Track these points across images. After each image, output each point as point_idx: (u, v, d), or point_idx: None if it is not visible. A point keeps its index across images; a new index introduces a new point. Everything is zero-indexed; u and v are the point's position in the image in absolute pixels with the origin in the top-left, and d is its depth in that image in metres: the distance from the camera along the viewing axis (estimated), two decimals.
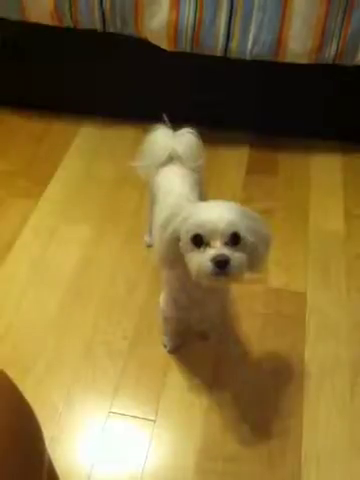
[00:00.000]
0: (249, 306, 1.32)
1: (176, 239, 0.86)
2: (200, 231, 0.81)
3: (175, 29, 1.47)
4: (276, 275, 1.40)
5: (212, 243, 0.81)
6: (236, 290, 1.31)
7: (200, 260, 0.81)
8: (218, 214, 0.81)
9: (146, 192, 1.26)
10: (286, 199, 1.64)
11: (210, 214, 0.82)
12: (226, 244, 0.80)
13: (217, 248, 0.80)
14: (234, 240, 0.81)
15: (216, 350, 1.23)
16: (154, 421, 1.10)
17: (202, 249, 0.81)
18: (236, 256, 0.80)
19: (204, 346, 1.24)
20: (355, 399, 1.15)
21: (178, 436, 1.08)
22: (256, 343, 1.25)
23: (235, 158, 1.77)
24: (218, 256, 0.79)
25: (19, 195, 1.62)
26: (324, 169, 1.75)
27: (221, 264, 0.79)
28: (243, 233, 0.81)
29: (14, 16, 1.56)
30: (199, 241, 0.82)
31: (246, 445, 1.07)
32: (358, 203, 1.63)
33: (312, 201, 1.63)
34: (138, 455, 1.05)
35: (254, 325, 1.28)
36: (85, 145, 1.83)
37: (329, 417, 1.12)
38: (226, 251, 0.80)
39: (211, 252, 0.80)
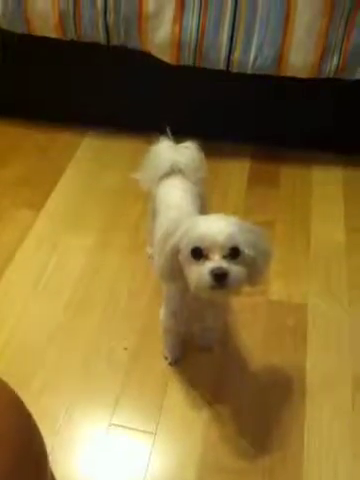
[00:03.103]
0: (250, 318, 1.32)
1: (176, 252, 0.86)
2: (199, 244, 0.82)
3: (178, 43, 1.49)
4: (277, 287, 1.40)
5: (211, 256, 0.81)
6: (237, 302, 1.31)
7: (199, 273, 0.81)
8: (217, 228, 0.82)
9: (148, 203, 1.27)
10: (287, 211, 1.64)
11: (209, 227, 0.83)
12: (225, 257, 0.81)
13: (216, 261, 0.80)
14: (233, 253, 0.81)
15: (217, 362, 1.23)
16: (155, 433, 1.09)
17: (201, 262, 0.82)
18: (235, 269, 0.81)
19: (205, 358, 1.23)
20: (357, 411, 1.14)
21: (179, 448, 1.08)
22: (257, 355, 1.24)
23: (236, 170, 1.78)
24: (216, 269, 0.79)
25: (23, 205, 1.63)
26: (325, 181, 1.75)
27: (219, 277, 0.79)
28: (242, 247, 0.82)
29: (19, 29, 1.58)
30: (198, 254, 0.82)
31: (247, 458, 1.06)
32: (359, 215, 1.63)
33: (313, 213, 1.63)
34: (139, 467, 1.04)
35: (255, 337, 1.28)
36: (88, 156, 1.84)
37: (331, 429, 1.11)
38: (224, 264, 0.80)
39: (210, 265, 0.80)
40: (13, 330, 1.28)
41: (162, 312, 1.10)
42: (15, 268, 1.44)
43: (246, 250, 0.82)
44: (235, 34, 1.46)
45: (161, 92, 1.75)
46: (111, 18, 1.50)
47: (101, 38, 1.56)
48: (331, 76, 1.51)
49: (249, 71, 1.51)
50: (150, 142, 1.18)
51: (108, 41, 1.57)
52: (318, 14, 1.41)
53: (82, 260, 1.47)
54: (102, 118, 1.89)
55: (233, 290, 0.84)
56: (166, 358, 1.22)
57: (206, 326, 1.17)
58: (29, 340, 1.26)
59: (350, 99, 1.67)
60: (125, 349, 1.24)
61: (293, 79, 1.53)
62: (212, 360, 1.23)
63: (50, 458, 0.64)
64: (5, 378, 0.61)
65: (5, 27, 1.59)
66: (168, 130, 1.17)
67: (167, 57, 1.54)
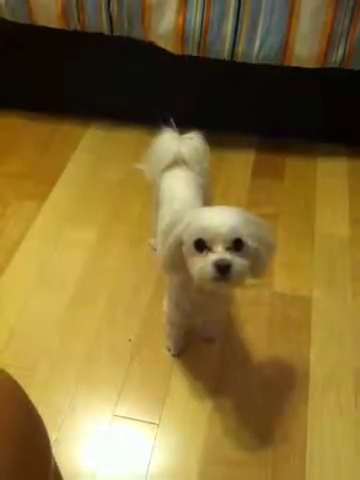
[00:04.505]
0: (254, 310, 1.32)
1: (179, 244, 0.86)
2: (202, 236, 0.81)
3: (182, 33, 1.48)
4: (281, 279, 1.39)
5: (214, 248, 0.81)
6: (241, 294, 1.31)
7: (202, 265, 0.81)
8: (221, 219, 0.82)
9: (152, 194, 1.26)
10: (292, 203, 1.63)
11: (213, 219, 0.82)
12: (228, 249, 0.81)
13: (219, 253, 0.80)
14: (236, 245, 0.81)
15: (220, 354, 1.23)
16: (158, 425, 1.10)
17: (204, 254, 0.82)
18: (238, 261, 0.80)
19: (208, 350, 1.23)
20: (359, 404, 1.14)
21: (182, 440, 1.08)
22: (261, 347, 1.24)
23: (241, 162, 1.77)
24: (219, 261, 0.79)
25: (25, 197, 1.63)
26: (330, 173, 1.74)
27: (222, 269, 0.79)
28: (245, 239, 0.82)
29: (22, 19, 1.57)
30: (201, 246, 0.82)
31: (250, 450, 1.06)
32: None
33: (318, 205, 1.62)
34: (142, 458, 1.05)
35: (259, 329, 1.28)
36: (91, 148, 1.83)
37: (334, 422, 1.11)
38: (228, 256, 0.80)
39: (213, 257, 0.80)
40: (17, 322, 1.28)
41: (165, 304, 1.10)
42: (19, 261, 1.44)
43: (249, 242, 0.82)
44: (240, 24, 1.45)
45: (165, 83, 1.74)
46: (114, 8, 1.49)
47: (104, 28, 1.55)
48: (336, 66, 1.50)
49: (254, 61, 1.50)
50: (153, 134, 1.18)
51: (111, 31, 1.55)
52: (323, 4, 1.39)
53: (85, 252, 1.46)
54: (105, 110, 1.88)
55: (236, 282, 0.84)
56: (169, 350, 1.22)
57: (209, 317, 1.17)
58: (33, 332, 1.27)
59: (356, 89, 1.65)
60: (129, 341, 1.24)
61: (298, 70, 1.51)
62: (215, 352, 1.23)
63: (53, 449, 0.64)
64: (8, 370, 0.61)
65: (8, 17, 1.58)
66: (172, 121, 1.17)
67: (171, 47, 1.53)
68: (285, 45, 1.45)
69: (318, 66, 1.50)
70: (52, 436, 1.05)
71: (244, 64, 1.52)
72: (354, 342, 1.26)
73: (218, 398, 1.15)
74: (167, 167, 1.16)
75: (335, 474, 1.03)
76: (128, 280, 1.39)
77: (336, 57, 1.47)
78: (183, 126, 1.17)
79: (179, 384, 1.17)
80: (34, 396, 0.62)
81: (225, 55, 1.51)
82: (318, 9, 1.40)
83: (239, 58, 1.51)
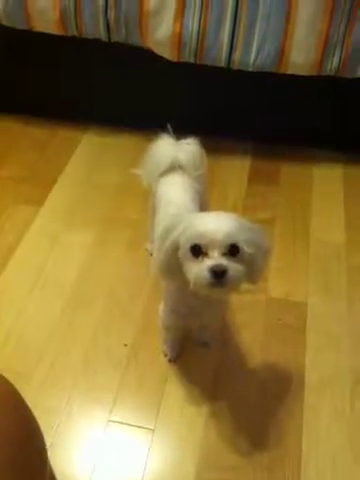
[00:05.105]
0: (250, 316, 1.32)
1: (175, 249, 0.86)
2: (198, 241, 0.82)
3: (179, 40, 1.48)
4: (277, 285, 1.40)
5: (210, 253, 0.81)
6: (236, 300, 1.32)
7: (198, 270, 0.81)
8: (217, 225, 0.82)
9: (148, 199, 1.27)
10: (287, 209, 1.64)
11: (209, 225, 0.83)
12: (224, 255, 0.81)
13: (215, 258, 0.81)
14: (232, 251, 0.82)
15: (216, 359, 1.23)
16: (153, 430, 1.10)
17: (200, 259, 0.82)
18: (233, 267, 0.81)
19: (204, 355, 1.23)
20: (355, 408, 1.14)
21: (177, 445, 1.08)
22: (257, 352, 1.24)
23: (237, 168, 1.78)
24: (215, 266, 0.80)
25: (22, 201, 1.63)
26: (325, 179, 1.75)
27: (218, 274, 0.80)
28: (241, 244, 0.82)
29: (20, 25, 1.58)
30: (197, 251, 0.82)
31: (246, 454, 1.06)
32: (359, 213, 1.63)
33: (313, 211, 1.63)
34: (137, 464, 1.04)
35: (255, 334, 1.28)
36: (88, 152, 1.84)
37: (329, 426, 1.11)
38: (223, 261, 0.80)
39: (208, 262, 0.81)
40: (13, 326, 1.28)
41: (161, 309, 1.10)
42: (15, 264, 1.44)
43: (245, 248, 0.82)
44: (236, 32, 1.45)
45: (162, 89, 1.75)
46: (112, 15, 1.50)
47: (102, 35, 1.56)
48: (332, 74, 1.50)
49: (250, 69, 1.51)
50: (151, 139, 1.18)
51: (109, 38, 1.56)
52: (319, 11, 1.40)
53: (82, 256, 1.47)
54: (102, 115, 1.89)
55: (232, 287, 0.84)
56: (165, 355, 1.22)
57: (204, 322, 1.17)
58: (29, 336, 1.27)
59: (351, 96, 1.66)
60: (125, 345, 1.24)
61: (293, 76, 1.53)
62: (211, 357, 1.23)
63: (49, 454, 0.64)
64: (4, 374, 0.61)
65: (6, 23, 1.58)
66: (169, 127, 1.17)
67: (168, 54, 1.53)
68: (281, 52, 1.46)
69: (314, 74, 1.51)
70: (47, 441, 1.05)
71: (240, 71, 1.53)
72: (349, 347, 1.26)
73: (214, 403, 1.15)
74: (164, 172, 1.17)
75: (330, 476, 1.03)
76: (124, 285, 1.39)
77: (331, 65, 1.48)
78: (180, 132, 1.17)
79: (175, 389, 1.17)
80: (30, 400, 0.62)
81: (222, 62, 1.51)
82: (314, 16, 1.41)
83: (235, 65, 1.51)
